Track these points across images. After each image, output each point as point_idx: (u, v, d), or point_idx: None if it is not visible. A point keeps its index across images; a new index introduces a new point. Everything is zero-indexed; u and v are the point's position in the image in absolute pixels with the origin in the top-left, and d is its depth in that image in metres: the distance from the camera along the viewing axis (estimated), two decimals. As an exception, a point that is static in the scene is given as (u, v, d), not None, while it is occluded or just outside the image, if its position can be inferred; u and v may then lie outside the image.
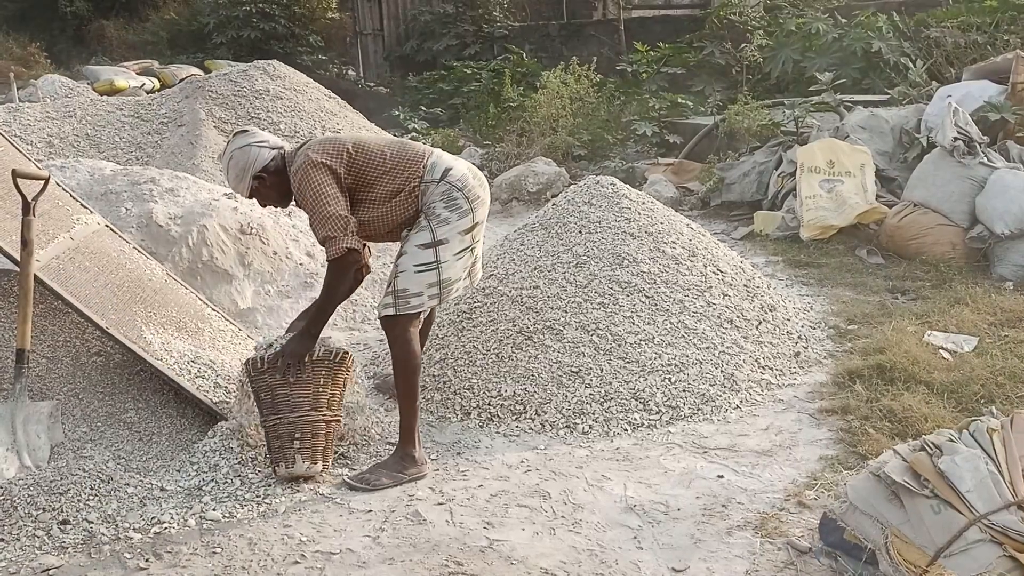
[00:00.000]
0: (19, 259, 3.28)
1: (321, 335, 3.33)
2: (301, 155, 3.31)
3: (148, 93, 11.84)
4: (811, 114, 7.63)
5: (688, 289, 4.19)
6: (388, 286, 3.37)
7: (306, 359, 3.24)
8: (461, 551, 2.84)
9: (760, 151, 7.67)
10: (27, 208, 3.28)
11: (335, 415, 3.32)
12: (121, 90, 12.39)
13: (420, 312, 3.37)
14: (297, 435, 3.21)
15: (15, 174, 3.28)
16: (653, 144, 9.49)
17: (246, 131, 3.42)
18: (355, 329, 5.09)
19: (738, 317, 4.18)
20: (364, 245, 3.68)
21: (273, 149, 3.39)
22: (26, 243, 3.25)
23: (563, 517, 3.03)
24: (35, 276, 3.31)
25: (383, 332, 3.47)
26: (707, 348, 3.98)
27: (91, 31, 19.32)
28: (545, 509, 3.09)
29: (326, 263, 3.27)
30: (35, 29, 18.55)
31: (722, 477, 3.25)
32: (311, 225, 3.27)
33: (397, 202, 3.36)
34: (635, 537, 2.89)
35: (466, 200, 3.36)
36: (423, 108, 12.79)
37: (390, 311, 3.33)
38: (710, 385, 3.85)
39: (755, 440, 3.54)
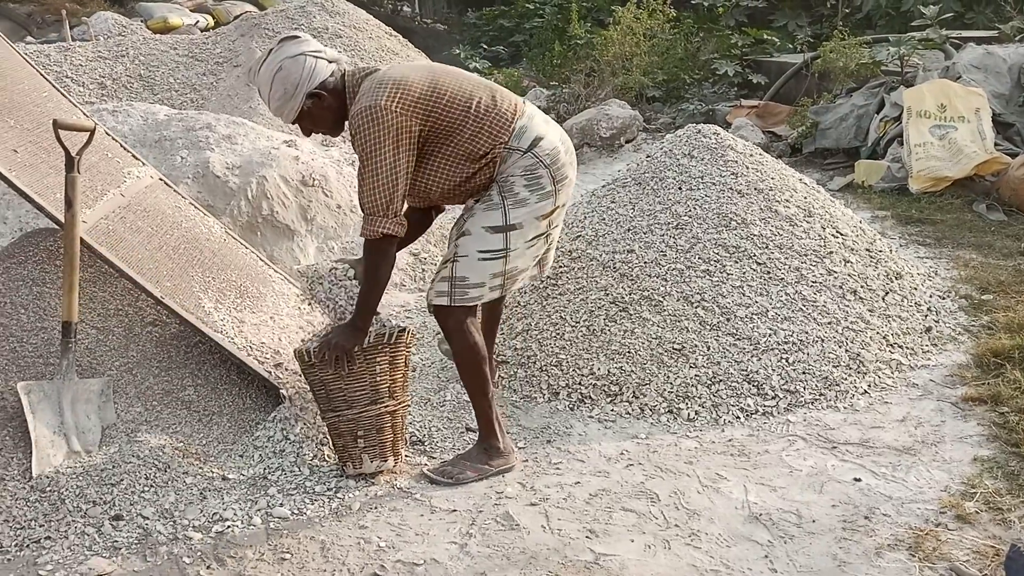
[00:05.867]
0: (62, 221, 2.92)
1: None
2: (368, 94, 2.67)
3: (202, 31, 11.48)
4: (916, 52, 6.96)
5: (805, 255, 3.70)
6: (444, 268, 2.83)
7: (356, 349, 2.79)
8: (563, 566, 2.47)
9: (858, 93, 7.04)
10: (71, 163, 2.91)
11: (400, 402, 2.91)
12: (175, 27, 12.03)
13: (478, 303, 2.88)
14: (360, 432, 2.83)
15: (57, 125, 2.91)
16: (734, 84, 8.86)
17: (297, 37, 2.77)
18: (424, 290, 4.70)
19: (862, 287, 3.69)
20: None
21: (331, 63, 2.77)
22: (70, 203, 2.89)
23: (677, 526, 2.63)
24: (81, 239, 2.95)
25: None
26: (829, 323, 3.51)
27: (144, -33, 18.92)
28: (655, 515, 2.69)
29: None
30: (89, -35, 18.20)
31: (859, 480, 2.82)
32: (358, 181, 2.72)
33: (476, 167, 2.77)
34: (766, 556, 2.48)
35: (551, 180, 2.78)
36: (484, 46, 12.24)
37: (443, 300, 2.80)
38: (833, 366, 3.39)
39: (891, 434, 3.09)
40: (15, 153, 3.09)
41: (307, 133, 2.87)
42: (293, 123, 2.81)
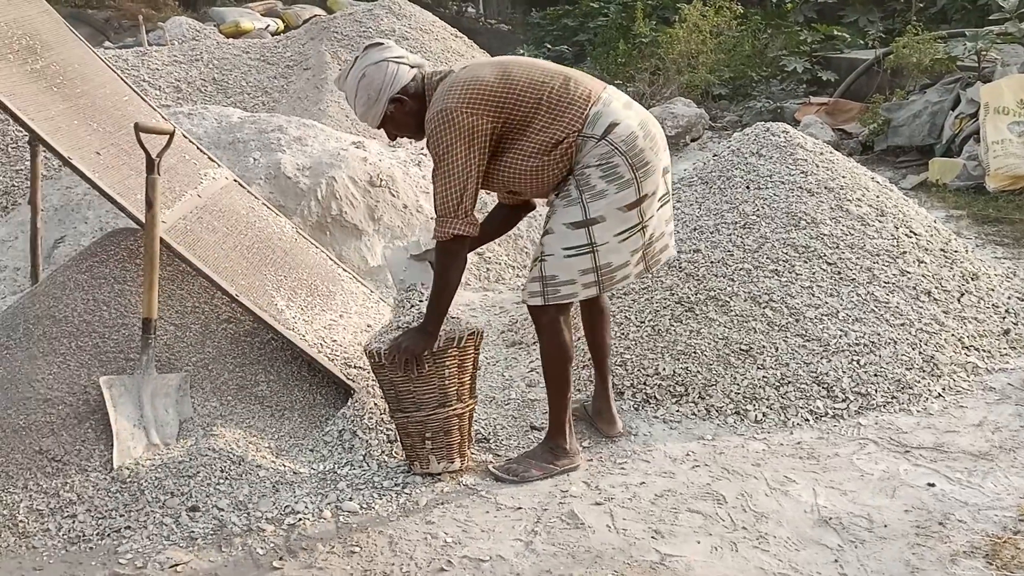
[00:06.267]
0: (143, 221, 3.03)
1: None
2: (440, 98, 2.71)
3: (272, 35, 11.74)
4: (994, 46, 6.75)
5: (877, 255, 3.63)
6: (534, 267, 2.82)
7: (426, 353, 2.81)
8: (628, 566, 2.47)
9: (932, 89, 6.86)
10: (151, 165, 3.01)
11: (467, 406, 2.94)
12: (246, 32, 12.33)
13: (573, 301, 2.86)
14: (428, 434, 2.86)
15: (138, 128, 3.01)
16: (803, 81, 8.72)
17: (380, 44, 2.82)
18: (489, 290, 4.75)
19: (936, 288, 3.60)
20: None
21: (412, 68, 2.81)
22: (150, 204, 2.99)
23: (744, 528, 2.61)
24: (161, 239, 3.06)
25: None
26: (902, 325, 3.43)
27: (217, -28, 19.38)
28: (721, 517, 2.67)
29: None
30: (164, -29, 18.69)
31: (933, 485, 2.75)
32: (432, 184, 2.76)
33: (552, 158, 2.72)
34: (836, 560, 2.44)
35: (629, 168, 2.69)
36: (548, 46, 12.25)
37: (537, 300, 2.81)
38: (906, 369, 3.32)
39: (967, 438, 3.01)
40: (98, 155, 3.21)
41: (392, 137, 2.92)
42: (379, 128, 2.87)
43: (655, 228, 2.85)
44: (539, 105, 2.71)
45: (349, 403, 3.20)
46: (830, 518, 2.63)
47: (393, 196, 4.88)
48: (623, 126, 2.71)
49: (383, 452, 3.04)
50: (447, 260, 2.76)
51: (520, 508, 2.76)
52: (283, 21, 13.58)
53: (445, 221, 2.70)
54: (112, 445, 2.82)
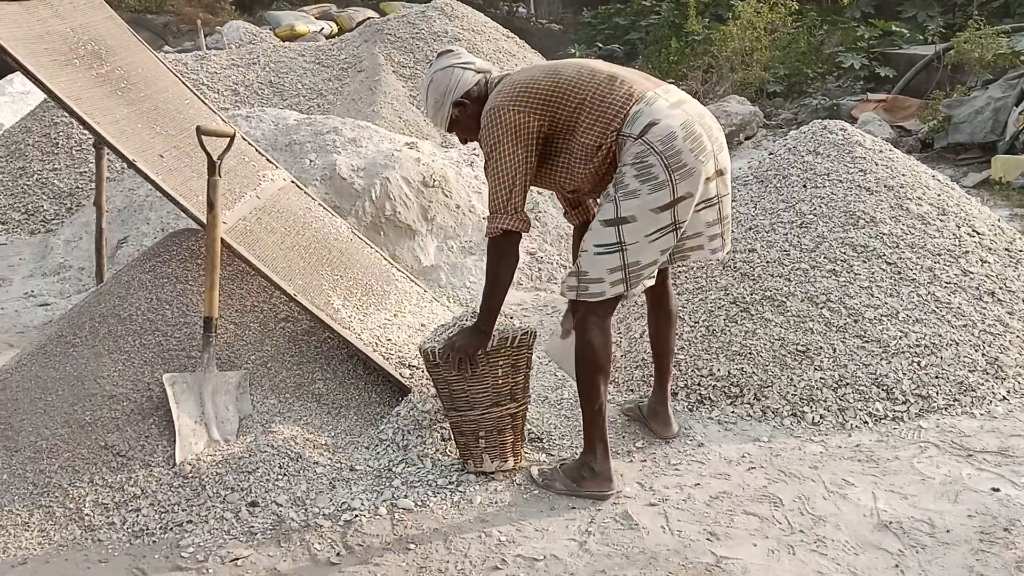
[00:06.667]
0: (204, 222, 3.09)
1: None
2: (492, 98, 2.77)
3: (327, 37, 11.90)
4: (1061, 40, 6.58)
5: (939, 254, 3.55)
6: (575, 262, 2.84)
7: (480, 352, 2.82)
8: (683, 568, 2.46)
9: (995, 85, 6.69)
10: (212, 168, 3.08)
11: (520, 406, 2.94)
12: (301, 35, 12.52)
13: (606, 300, 2.75)
14: (482, 433, 2.88)
15: (200, 131, 3.08)
16: (860, 78, 8.56)
17: (451, 51, 2.92)
18: (541, 289, 4.75)
19: (1000, 288, 3.52)
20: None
21: (479, 73, 2.87)
22: (212, 205, 3.06)
23: (802, 532, 2.58)
24: (222, 239, 3.12)
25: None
26: (964, 326, 3.36)
27: (272, -24, 19.69)
28: (778, 520, 2.64)
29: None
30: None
31: (998, 490, 2.69)
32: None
33: (598, 159, 2.70)
34: (897, 565, 2.40)
35: (665, 169, 2.59)
36: (599, 44, 12.22)
37: (572, 294, 2.78)
38: (969, 371, 3.25)
39: (1033, 443, 2.94)
40: (161, 158, 3.29)
41: (463, 141, 2.98)
42: (449, 131, 2.94)
43: (689, 229, 2.78)
44: (583, 104, 2.70)
45: (404, 402, 3.23)
46: (890, 522, 2.58)
47: (446, 196, 4.91)
48: (661, 125, 2.62)
49: (437, 451, 3.06)
50: (498, 256, 2.76)
51: (574, 508, 2.76)
52: (337, 24, 13.77)
53: (495, 217, 2.71)
54: (175, 441, 2.89)
